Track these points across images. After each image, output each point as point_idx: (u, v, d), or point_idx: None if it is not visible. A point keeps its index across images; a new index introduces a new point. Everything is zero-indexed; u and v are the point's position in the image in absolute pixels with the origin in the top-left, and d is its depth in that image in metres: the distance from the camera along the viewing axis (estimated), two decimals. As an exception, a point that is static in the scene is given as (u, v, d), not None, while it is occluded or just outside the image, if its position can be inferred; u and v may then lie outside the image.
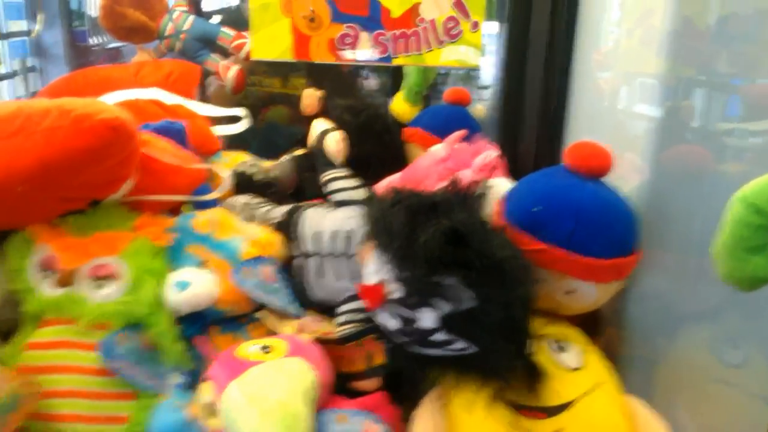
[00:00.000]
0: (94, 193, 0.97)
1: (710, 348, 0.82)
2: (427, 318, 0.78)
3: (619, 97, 1.16)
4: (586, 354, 0.87)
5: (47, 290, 0.93)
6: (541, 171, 1.00)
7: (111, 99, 1.34)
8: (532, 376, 0.80)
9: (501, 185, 1.05)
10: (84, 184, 0.92)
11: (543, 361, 0.83)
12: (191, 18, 1.69)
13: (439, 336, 0.78)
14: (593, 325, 0.99)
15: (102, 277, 0.93)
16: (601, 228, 0.86)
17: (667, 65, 0.97)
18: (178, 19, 1.68)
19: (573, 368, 0.84)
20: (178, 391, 0.90)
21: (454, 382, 0.83)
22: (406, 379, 0.86)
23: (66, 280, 0.91)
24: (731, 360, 0.77)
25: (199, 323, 0.99)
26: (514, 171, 1.16)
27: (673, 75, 0.96)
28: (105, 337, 0.89)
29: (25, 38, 1.81)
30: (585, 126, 1.25)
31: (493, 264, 0.76)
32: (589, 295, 0.89)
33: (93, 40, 1.97)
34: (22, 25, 1.80)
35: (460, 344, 0.78)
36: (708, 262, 0.62)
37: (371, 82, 1.96)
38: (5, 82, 1.73)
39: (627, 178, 0.98)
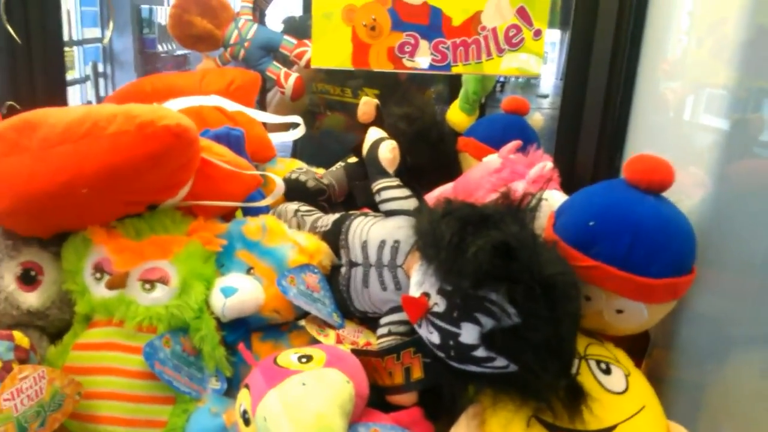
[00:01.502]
0: (154, 197, 0.99)
1: (763, 373, 0.77)
2: (469, 333, 0.76)
3: (684, 108, 1.11)
4: (631, 377, 0.83)
5: (99, 291, 0.96)
6: (599, 184, 0.96)
7: (175, 105, 1.38)
8: (574, 398, 0.77)
9: (555, 198, 1.03)
10: (145, 188, 0.95)
11: (586, 383, 0.79)
12: (255, 26, 1.73)
13: (480, 352, 0.76)
14: (641, 347, 0.95)
15: (153, 281, 0.95)
16: (658, 246, 0.82)
17: (738, 76, 0.92)
18: (243, 27, 1.72)
19: (617, 392, 0.81)
20: (216, 397, 0.91)
21: (492, 400, 0.80)
22: (444, 395, 0.85)
23: (117, 283, 0.94)
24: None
25: (241, 330, 1.00)
26: (571, 183, 1.12)
27: (743, 86, 0.91)
28: (149, 340, 0.91)
29: (98, 45, 1.90)
30: (647, 138, 1.21)
31: (541, 281, 0.73)
32: (640, 315, 0.85)
33: (161, 47, 2.04)
34: (95, 32, 1.88)
35: (501, 362, 0.76)
36: (766, 283, 0.58)
37: (430, 90, 1.95)
38: (78, 86, 1.82)
39: (689, 192, 0.94)
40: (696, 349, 0.92)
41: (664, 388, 0.87)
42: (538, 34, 1.35)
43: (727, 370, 0.85)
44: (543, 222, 0.94)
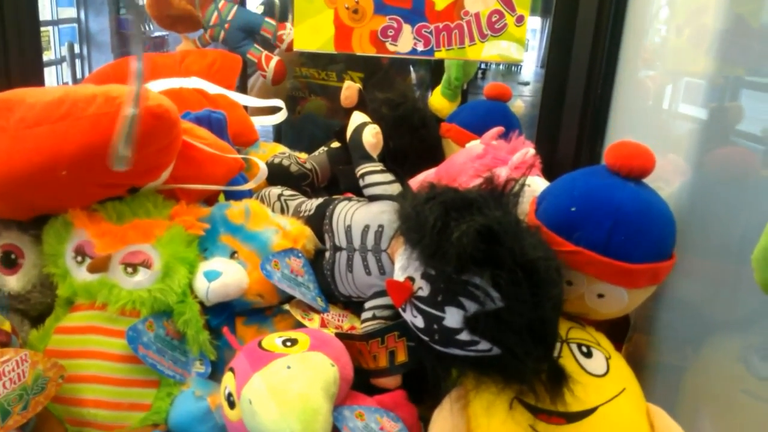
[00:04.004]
0: (134, 180, 0.98)
1: (740, 358, 0.79)
2: (452, 317, 0.77)
3: (663, 97, 1.13)
4: (612, 360, 0.85)
5: (81, 275, 0.95)
6: (580, 170, 0.97)
7: (155, 87, 1.36)
8: (556, 380, 0.78)
9: (537, 184, 1.04)
10: (126, 170, 0.94)
11: (568, 366, 0.80)
12: (235, 8, 1.71)
13: (464, 336, 0.77)
14: (621, 331, 0.97)
15: (135, 264, 0.94)
16: (638, 231, 0.84)
17: (716, 65, 0.94)
18: (222, 8, 1.70)
19: (598, 375, 0.82)
20: (201, 381, 0.91)
21: (475, 383, 0.81)
22: (428, 378, 0.86)
23: (99, 266, 0.93)
24: (760, 371, 0.75)
25: (225, 314, 1.00)
26: (553, 170, 1.14)
27: (721, 75, 0.93)
28: (132, 324, 0.90)
29: (74, 25, 1.87)
30: (627, 125, 1.23)
31: (524, 265, 0.74)
32: (621, 300, 0.86)
33: (139, 28, 2.01)
34: (71, 12, 1.84)
35: (484, 345, 0.77)
36: (745, 270, 0.60)
37: (412, 76, 1.96)
38: (54, 67, 1.79)
39: (669, 179, 0.95)
40: (675, 334, 0.94)
41: (643, 371, 0.89)
42: (520, 20, 1.35)
43: (705, 354, 0.87)
44: (525, 207, 0.95)
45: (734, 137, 0.90)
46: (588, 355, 0.84)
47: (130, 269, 0.94)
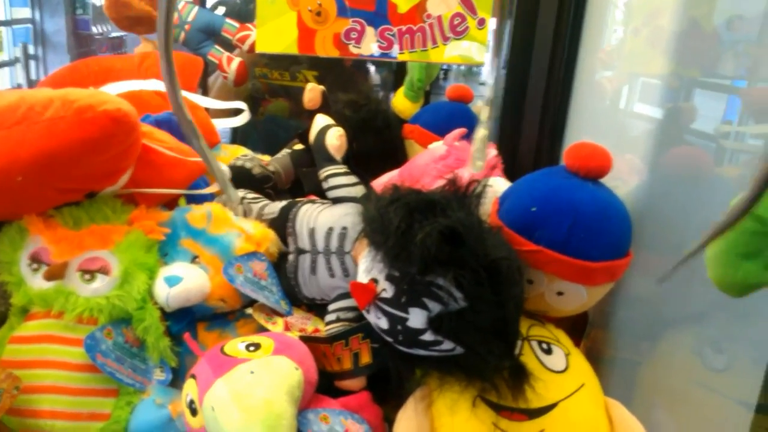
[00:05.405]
0: (92, 185, 0.97)
1: (694, 352, 0.81)
2: (416, 318, 0.77)
3: (621, 97, 1.15)
4: (571, 356, 0.86)
5: (36, 283, 0.93)
6: (540, 171, 0.99)
7: (113, 89, 1.34)
8: (518, 378, 0.79)
9: (499, 184, 1.05)
10: (84, 175, 0.92)
11: (529, 363, 0.81)
12: (196, 9, 1.69)
13: (428, 336, 0.77)
14: (580, 327, 0.98)
15: (93, 271, 0.92)
16: (596, 231, 0.85)
17: (671, 66, 0.96)
18: (183, 9, 1.68)
19: (558, 371, 0.84)
20: (161, 388, 0.90)
21: (438, 383, 0.82)
22: (392, 378, 0.86)
23: (55, 273, 0.91)
24: (714, 364, 0.77)
25: (186, 319, 0.99)
26: (514, 170, 1.15)
27: (676, 76, 0.95)
28: (90, 332, 0.89)
29: (28, 25, 1.82)
30: (586, 126, 1.24)
31: (486, 265, 0.75)
32: (579, 297, 0.88)
33: (96, 29, 1.97)
34: (25, 12, 1.80)
35: (447, 345, 0.78)
36: (698, 266, 0.61)
37: (374, 77, 1.96)
38: (6, 69, 1.75)
39: (626, 179, 0.97)
40: (631, 329, 0.96)
41: (601, 366, 0.90)
42: (482, 23, 1.36)
43: (660, 349, 0.89)
44: (488, 208, 0.96)
45: (688, 136, 0.92)
46: (548, 351, 0.85)
47: (87, 276, 0.92)
